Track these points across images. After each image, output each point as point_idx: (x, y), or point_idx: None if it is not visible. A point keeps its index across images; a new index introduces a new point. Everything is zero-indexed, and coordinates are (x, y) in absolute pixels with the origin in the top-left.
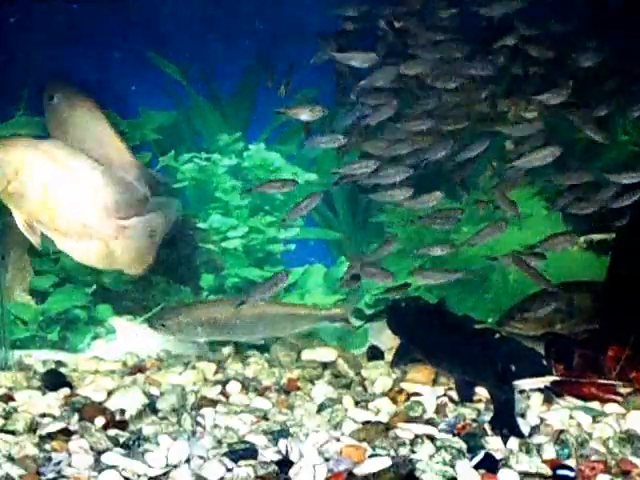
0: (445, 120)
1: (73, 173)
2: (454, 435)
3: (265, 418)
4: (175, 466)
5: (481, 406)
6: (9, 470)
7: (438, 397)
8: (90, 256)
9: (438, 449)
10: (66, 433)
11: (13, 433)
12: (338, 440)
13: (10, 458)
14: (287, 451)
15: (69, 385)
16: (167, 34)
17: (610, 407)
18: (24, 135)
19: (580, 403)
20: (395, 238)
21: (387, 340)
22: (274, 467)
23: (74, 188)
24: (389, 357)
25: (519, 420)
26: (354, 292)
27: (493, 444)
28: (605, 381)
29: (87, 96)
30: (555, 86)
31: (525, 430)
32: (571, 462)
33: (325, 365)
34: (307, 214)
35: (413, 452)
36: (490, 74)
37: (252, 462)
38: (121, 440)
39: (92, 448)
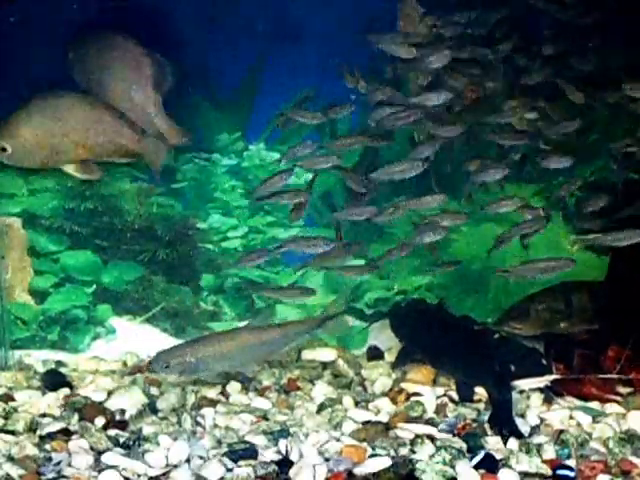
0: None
1: None
2: (454, 435)
3: (265, 418)
4: (175, 466)
5: (481, 406)
6: (9, 470)
7: (438, 397)
8: None
9: (438, 449)
10: (66, 433)
11: (13, 433)
12: (338, 440)
13: (10, 458)
14: (287, 451)
15: (69, 385)
16: (167, 33)
17: (610, 407)
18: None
19: (580, 403)
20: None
21: (387, 340)
22: (274, 467)
23: None
24: (389, 357)
25: (519, 420)
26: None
27: (493, 444)
28: (605, 376)
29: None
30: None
31: (525, 430)
32: (571, 462)
33: (325, 365)
34: (307, 214)
35: (413, 452)
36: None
37: (252, 462)
38: (121, 440)
39: (92, 448)
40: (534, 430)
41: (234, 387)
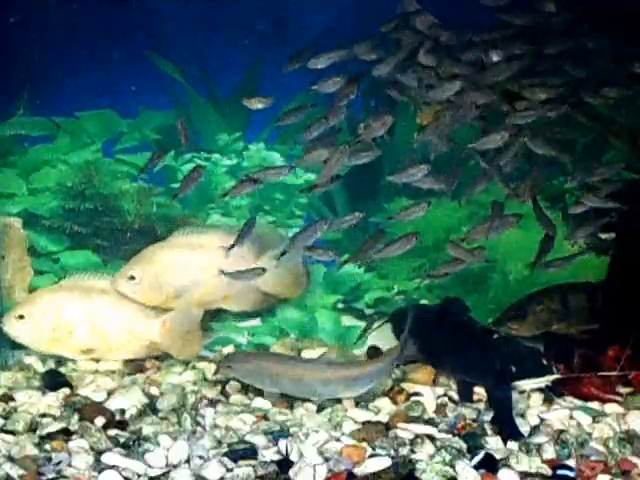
0: None
1: None
2: (454, 435)
3: (265, 418)
4: (175, 466)
5: (481, 406)
6: (9, 470)
7: (438, 397)
8: None
9: (438, 449)
10: (66, 433)
11: (13, 433)
12: (338, 440)
13: (10, 458)
14: (287, 451)
15: (69, 385)
16: (167, 34)
17: (610, 407)
18: None
19: (580, 403)
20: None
21: (387, 340)
22: (274, 467)
23: None
24: None
25: (519, 420)
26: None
27: (493, 444)
28: (606, 373)
29: None
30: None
31: (525, 430)
32: (571, 462)
33: None
34: (307, 214)
35: (413, 452)
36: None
37: (252, 462)
38: (121, 440)
39: (92, 448)
40: (534, 430)
41: (234, 387)
